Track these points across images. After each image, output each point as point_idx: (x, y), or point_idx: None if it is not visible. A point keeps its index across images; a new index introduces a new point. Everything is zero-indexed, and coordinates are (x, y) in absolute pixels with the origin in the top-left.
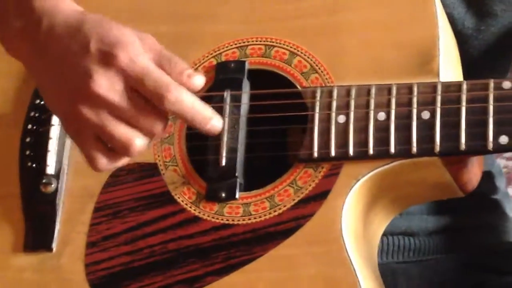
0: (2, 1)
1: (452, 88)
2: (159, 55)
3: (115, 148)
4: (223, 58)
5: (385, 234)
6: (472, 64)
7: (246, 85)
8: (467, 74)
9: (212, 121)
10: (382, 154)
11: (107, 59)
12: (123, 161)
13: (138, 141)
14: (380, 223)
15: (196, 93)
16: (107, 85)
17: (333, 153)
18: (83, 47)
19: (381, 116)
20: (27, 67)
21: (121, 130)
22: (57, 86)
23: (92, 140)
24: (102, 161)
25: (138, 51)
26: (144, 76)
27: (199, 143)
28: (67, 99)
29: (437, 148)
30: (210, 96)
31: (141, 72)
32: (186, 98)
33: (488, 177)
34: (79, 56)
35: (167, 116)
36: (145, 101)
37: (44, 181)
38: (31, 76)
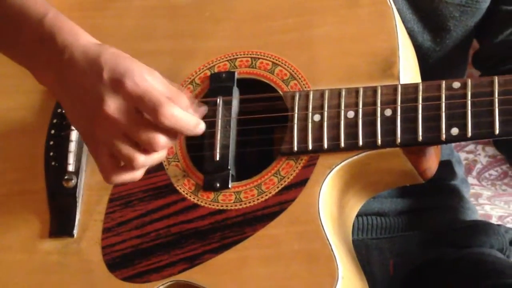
0: (30, 40)
1: (410, 89)
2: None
3: (123, 162)
4: (216, 70)
5: (360, 214)
6: (433, 73)
7: (235, 92)
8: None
9: (199, 126)
10: (352, 146)
11: (117, 85)
12: (131, 176)
13: (141, 157)
14: (354, 206)
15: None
16: (115, 107)
17: (310, 147)
18: (97, 76)
19: (350, 114)
20: (52, 92)
21: (126, 147)
22: (77, 108)
23: (106, 156)
24: (113, 174)
25: (142, 77)
26: (144, 97)
27: (196, 142)
28: (85, 120)
29: (398, 140)
30: (205, 101)
31: (142, 93)
32: (178, 113)
33: (447, 165)
34: (94, 83)
35: (164, 134)
36: (145, 120)
37: (66, 177)
38: (56, 99)
